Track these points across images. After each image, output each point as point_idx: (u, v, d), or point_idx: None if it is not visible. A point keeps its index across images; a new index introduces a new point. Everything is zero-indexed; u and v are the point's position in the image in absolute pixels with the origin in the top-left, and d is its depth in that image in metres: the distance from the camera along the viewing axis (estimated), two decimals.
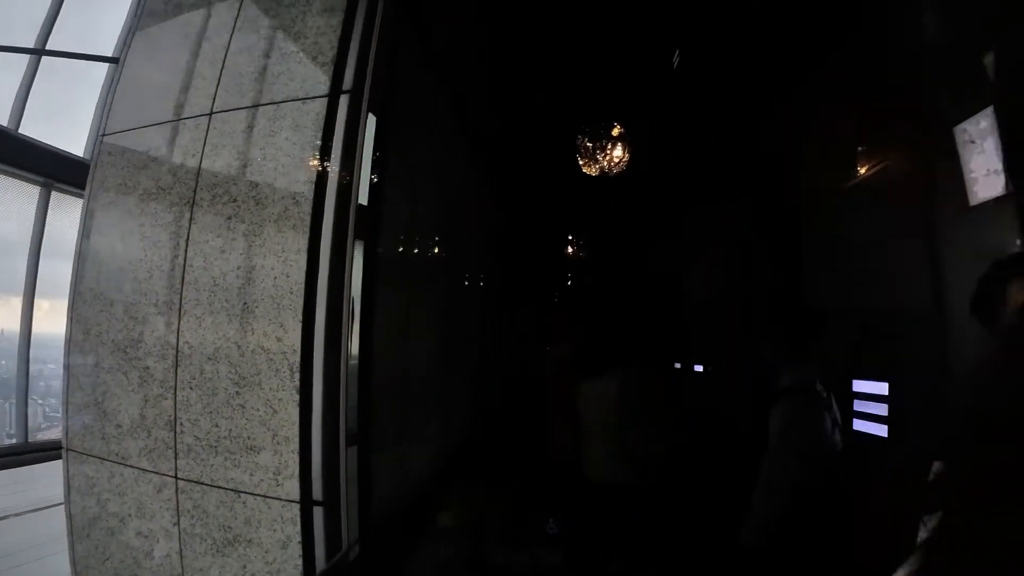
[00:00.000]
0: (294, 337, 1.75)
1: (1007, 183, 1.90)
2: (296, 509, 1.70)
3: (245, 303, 1.81)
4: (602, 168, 3.77)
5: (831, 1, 2.75)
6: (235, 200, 1.88)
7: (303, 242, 1.78)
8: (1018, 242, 1.88)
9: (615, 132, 3.75)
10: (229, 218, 1.87)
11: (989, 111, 1.96)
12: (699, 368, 5.04)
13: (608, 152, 3.74)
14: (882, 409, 2.64)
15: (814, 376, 2.51)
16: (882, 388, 2.64)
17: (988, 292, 1.25)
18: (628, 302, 6.94)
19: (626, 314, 6.09)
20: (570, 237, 6.86)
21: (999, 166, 1.92)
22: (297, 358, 1.74)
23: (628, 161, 3.78)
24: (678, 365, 5.42)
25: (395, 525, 2.23)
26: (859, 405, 2.79)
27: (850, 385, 2.83)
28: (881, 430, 2.64)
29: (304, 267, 1.77)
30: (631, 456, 3.02)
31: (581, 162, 3.82)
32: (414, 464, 2.64)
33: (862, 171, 2.68)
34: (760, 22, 3.08)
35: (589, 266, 7.33)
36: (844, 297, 2.96)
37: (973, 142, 2.04)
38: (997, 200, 1.95)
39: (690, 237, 4.99)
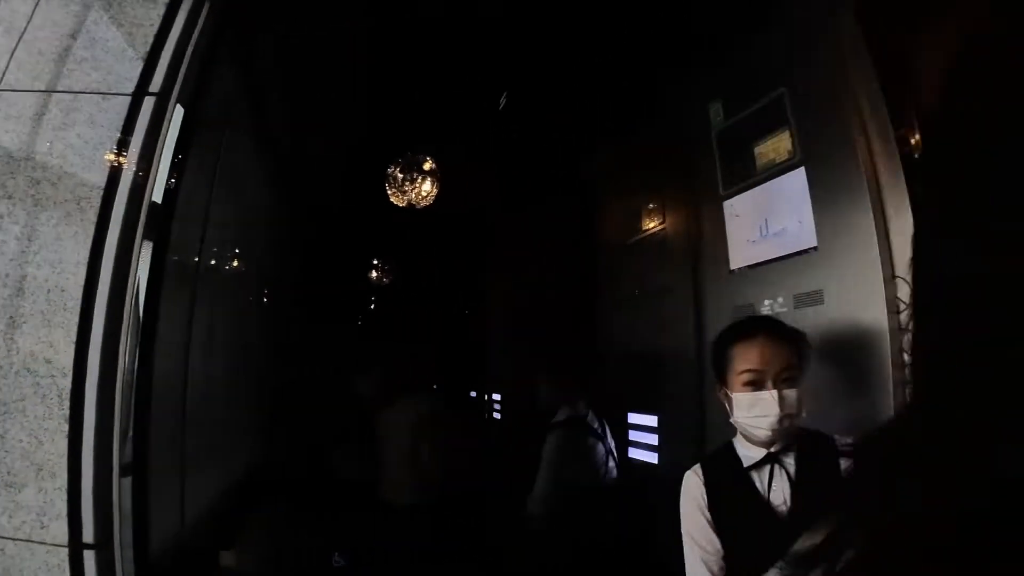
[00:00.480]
0: (66, 359, 1.54)
1: (758, 255, 2.30)
2: (64, 554, 1.48)
3: (11, 317, 1.56)
4: (410, 200, 3.80)
5: (627, 91, 3.12)
6: (10, 197, 1.61)
7: (84, 253, 1.57)
8: (754, 304, 2.28)
9: (427, 166, 3.81)
10: (1, 217, 1.61)
11: (750, 193, 2.35)
12: (497, 397, 5.27)
13: (417, 185, 3.78)
14: (653, 439, 2.98)
15: (585, 411, 2.81)
16: (652, 420, 2.99)
17: (717, 354, 1.56)
18: (430, 332, 7.06)
19: (427, 343, 6.21)
20: (376, 262, 6.82)
21: (755, 238, 2.31)
22: (68, 382, 1.53)
23: (437, 196, 3.83)
24: (473, 394, 5.60)
25: (177, 566, 2.03)
26: (634, 435, 3.13)
27: (626, 417, 3.17)
28: (652, 457, 2.98)
29: (83, 281, 1.56)
30: (429, 480, 3.11)
31: (389, 191, 3.82)
32: (199, 496, 2.42)
33: (649, 227, 3.04)
34: (569, 97, 3.39)
35: (394, 292, 7.33)
36: (628, 337, 3.31)
37: (737, 216, 2.43)
38: (750, 267, 2.35)
39: (493, 274, 5.22)
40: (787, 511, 1.42)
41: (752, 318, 1.58)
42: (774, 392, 1.43)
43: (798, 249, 2.13)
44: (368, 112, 3.76)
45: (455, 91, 3.52)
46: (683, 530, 1.50)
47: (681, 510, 1.53)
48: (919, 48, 1.99)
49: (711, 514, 1.48)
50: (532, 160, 4.22)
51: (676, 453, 2.77)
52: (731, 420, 1.52)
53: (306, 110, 3.65)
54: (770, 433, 1.44)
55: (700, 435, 2.58)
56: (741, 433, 1.53)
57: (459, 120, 3.83)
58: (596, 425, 2.85)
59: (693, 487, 1.52)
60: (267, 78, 3.05)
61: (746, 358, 1.47)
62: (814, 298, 2.06)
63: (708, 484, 1.51)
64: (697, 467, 1.56)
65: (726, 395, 1.52)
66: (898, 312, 1.80)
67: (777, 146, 2.26)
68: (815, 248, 2.07)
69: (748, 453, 1.50)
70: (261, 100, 3.12)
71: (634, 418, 3.14)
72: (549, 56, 3.08)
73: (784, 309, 2.18)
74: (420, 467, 3.15)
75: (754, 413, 1.44)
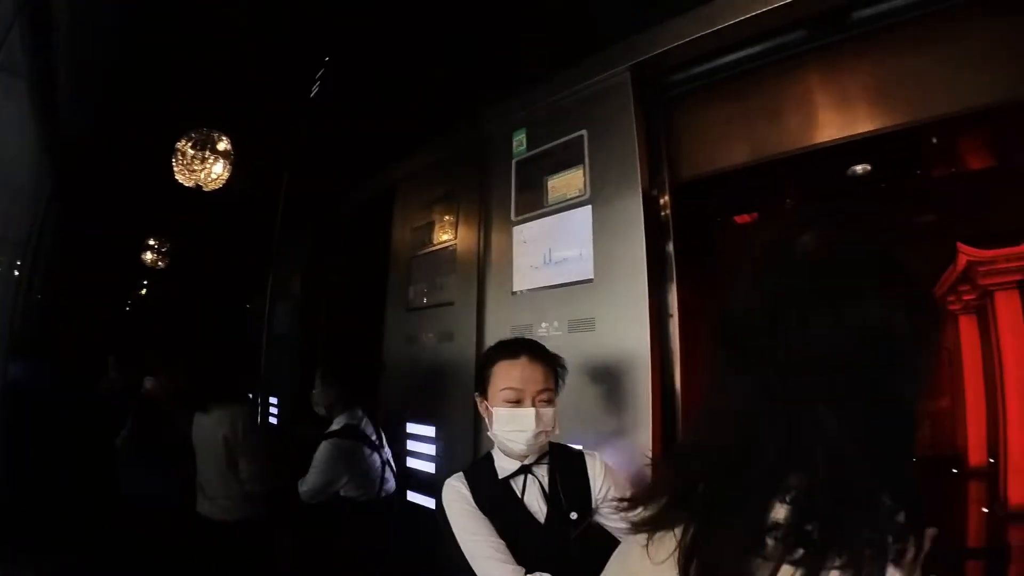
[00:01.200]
0: None
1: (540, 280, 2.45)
2: None
3: None
4: (197, 181, 3.38)
5: (440, 103, 3.18)
6: None
7: None
8: (532, 326, 2.43)
9: (221, 146, 3.43)
10: None
11: (539, 222, 2.51)
12: (274, 400, 4.84)
13: (208, 166, 3.39)
14: (431, 449, 2.97)
15: (362, 419, 2.75)
16: (430, 431, 2.98)
17: (482, 370, 1.67)
18: (206, 324, 6.36)
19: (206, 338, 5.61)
20: (152, 243, 5.98)
21: (538, 264, 2.46)
22: None
23: (228, 180, 3.46)
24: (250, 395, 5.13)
25: None
26: (412, 444, 3.09)
27: (405, 428, 3.13)
28: (430, 466, 2.96)
29: None
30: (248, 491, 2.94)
31: (176, 168, 3.37)
32: None
33: (442, 241, 3.08)
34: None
35: (170, 277, 6.53)
36: (412, 347, 3.29)
37: (524, 242, 2.57)
38: (531, 290, 2.49)
39: (278, 270, 4.86)
40: (541, 518, 1.54)
41: (516, 340, 1.69)
42: (531, 409, 1.55)
43: (576, 279, 2.32)
44: (162, 77, 3.31)
45: (263, 71, 3.27)
46: (457, 529, 1.50)
47: (449, 513, 1.53)
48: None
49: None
50: (336, 157, 4.06)
51: (452, 463, 2.80)
52: (489, 433, 1.62)
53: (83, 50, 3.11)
54: (525, 447, 1.56)
55: (474, 446, 2.63)
56: (498, 446, 1.63)
57: (265, 104, 3.56)
58: (372, 434, 2.79)
59: (456, 491, 1.55)
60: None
61: (508, 376, 1.58)
62: (587, 325, 2.25)
63: (471, 490, 1.55)
64: (459, 475, 1.61)
65: (487, 409, 1.62)
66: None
67: (569, 182, 2.45)
68: (591, 280, 2.27)
69: (504, 465, 1.61)
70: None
71: (413, 428, 3.11)
72: (367, 52, 3.01)
73: (559, 332, 2.34)
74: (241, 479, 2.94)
75: (512, 427, 1.55)
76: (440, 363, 2.92)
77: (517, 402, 1.55)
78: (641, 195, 2.21)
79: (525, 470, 1.59)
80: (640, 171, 2.24)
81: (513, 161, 2.75)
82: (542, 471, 1.60)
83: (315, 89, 3.70)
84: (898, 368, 0.61)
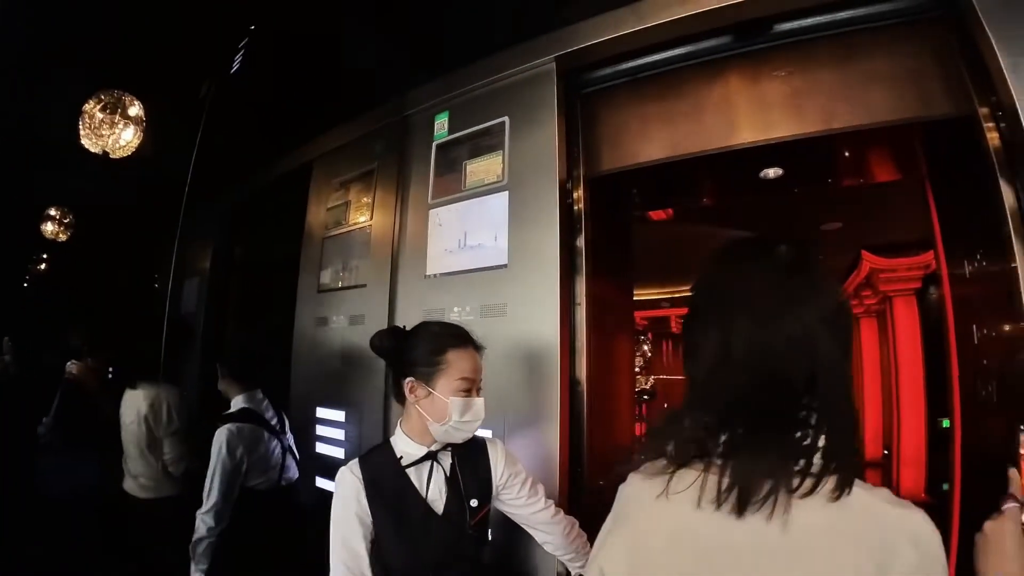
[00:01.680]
0: None
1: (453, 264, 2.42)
2: None
3: None
4: (104, 147, 3.13)
5: (363, 80, 3.10)
6: None
7: None
8: (444, 310, 2.39)
9: (133, 112, 3.19)
10: None
11: (456, 206, 2.47)
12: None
13: (118, 132, 3.14)
14: (340, 434, 2.89)
15: (255, 405, 2.65)
16: (340, 415, 2.90)
17: (430, 354, 1.57)
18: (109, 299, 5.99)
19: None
20: (53, 213, 5.53)
21: (453, 248, 2.43)
22: None
23: (138, 149, 3.22)
24: None
25: None
26: (321, 429, 3.00)
27: (314, 412, 3.03)
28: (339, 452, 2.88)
29: None
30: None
31: (83, 131, 3.11)
32: None
33: (357, 221, 2.99)
34: None
35: (73, 250, 6.08)
36: (322, 329, 3.19)
37: (440, 226, 2.53)
38: (444, 274, 2.46)
39: (185, 246, 4.60)
40: (441, 505, 1.52)
41: (457, 327, 1.64)
42: (481, 399, 1.55)
43: (490, 265, 2.30)
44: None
45: (184, 36, 3.08)
46: (333, 525, 1.46)
47: (334, 505, 1.49)
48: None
49: (369, 506, 1.48)
50: (254, 131, 3.89)
51: (362, 449, 2.73)
52: (434, 422, 1.53)
53: None
54: (470, 435, 1.56)
55: (384, 430, 2.58)
56: (440, 435, 1.55)
57: (183, 70, 3.36)
58: (273, 418, 2.69)
59: (347, 485, 1.50)
60: None
61: (463, 366, 1.54)
62: (499, 310, 2.24)
63: (365, 480, 1.50)
64: (355, 463, 1.55)
65: (430, 396, 1.53)
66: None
67: (488, 167, 2.43)
68: (505, 265, 2.25)
69: (409, 451, 1.57)
70: None
71: (323, 412, 3.02)
72: (292, 25, 2.89)
73: (471, 317, 2.32)
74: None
75: (468, 418, 1.52)
76: (351, 346, 2.85)
77: (468, 392, 1.53)
78: (558, 185, 2.21)
79: (431, 456, 1.56)
80: (558, 161, 2.25)
81: (434, 144, 2.70)
82: (447, 457, 1.59)
83: (237, 59, 3.55)
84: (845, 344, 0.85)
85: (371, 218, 2.91)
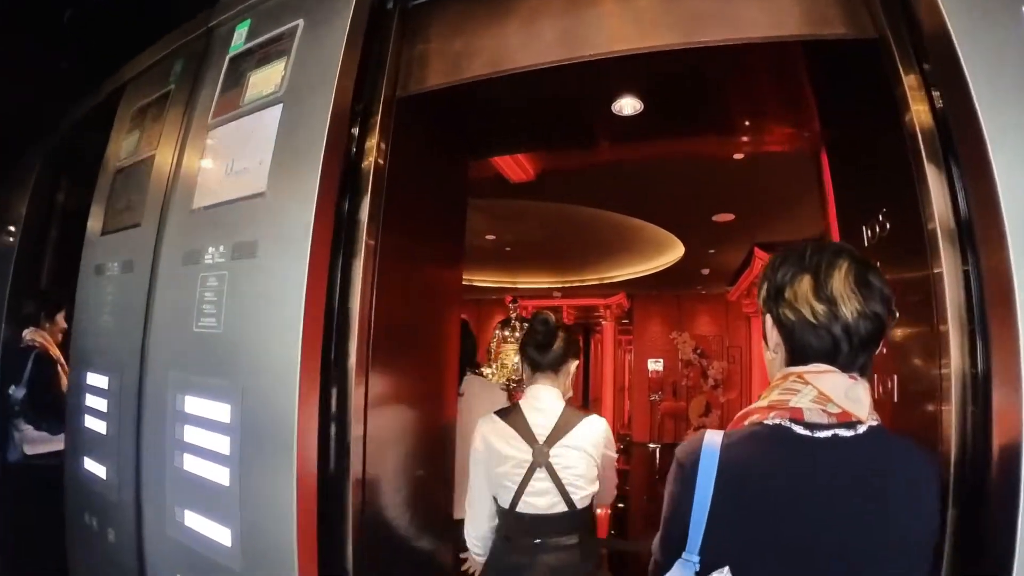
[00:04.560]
0: None
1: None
2: None
3: None
4: None
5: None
6: None
7: None
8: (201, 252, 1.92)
9: None
10: None
11: (233, 125, 2.01)
12: None
13: None
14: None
15: None
16: (103, 382, 2.40)
17: None
18: None
19: None
20: None
21: (222, 176, 1.95)
22: None
23: None
24: None
25: None
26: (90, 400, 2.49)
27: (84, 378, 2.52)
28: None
29: None
30: None
31: None
32: None
33: (142, 153, 2.49)
34: None
35: None
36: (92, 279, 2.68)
37: (215, 150, 2.05)
38: (207, 207, 1.98)
39: None
40: None
41: None
42: None
43: (248, 194, 1.83)
44: None
45: None
46: None
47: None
48: None
49: None
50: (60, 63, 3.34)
51: (122, 425, 2.24)
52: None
53: None
54: None
55: (139, 397, 2.10)
56: None
57: None
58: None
59: None
60: None
61: None
62: (249, 250, 1.77)
63: None
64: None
65: None
66: None
67: (268, 77, 1.96)
68: (263, 194, 1.79)
69: None
70: None
71: (93, 379, 2.50)
72: None
73: (223, 259, 1.85)
74: None
75: None
76: (119, 300, 2.34)
77: None
78: (334, 96, 1.75)
79: None
80: (341, 70, 1.79)
81: (227, 56, 2.22)
82: None
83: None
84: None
85: (156, 147, 2.40)
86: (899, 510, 1.00)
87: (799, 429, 1.04)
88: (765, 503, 1.02)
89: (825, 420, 1.04)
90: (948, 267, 1.27)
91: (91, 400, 2.46)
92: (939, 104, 1.37)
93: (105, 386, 2.35)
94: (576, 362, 2.26)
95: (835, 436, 1.02)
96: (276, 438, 1.60)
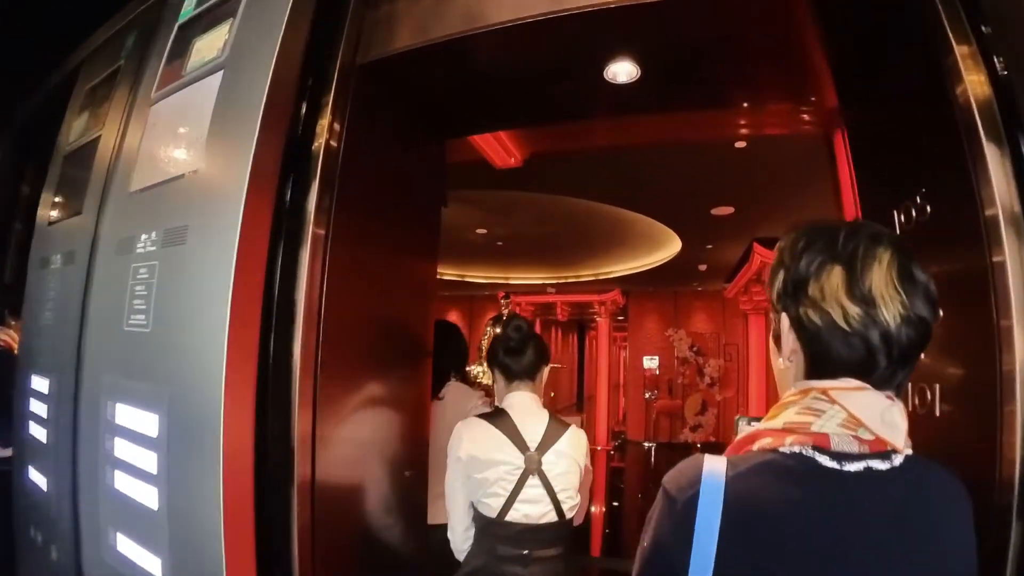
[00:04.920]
0: None
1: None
2: None
3: None
4: None
5: None
6: None
7: None
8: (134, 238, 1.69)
9: None
10: None
11: (176, 97, 1.78)
12: None
13: None
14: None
15: None
16: (44, 385, 2.19)
17: None
18: None
19: None
20: None
21: (159, 153, 1.72)
22: None
23: None
24: None
25: None
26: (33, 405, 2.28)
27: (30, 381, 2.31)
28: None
29: None
30: None
31: None
32: None
33: (90, 134, 2.26)
34: None
35: None
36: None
37: (155, 126, 1.83)
38: (143, 189, 1.75)
39: None
40: None
41: None
42: None
43: (181, 172, 1.60)
44: None
45: None
46: None
47: None
48: None
49: None
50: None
51: (60, 429, 2.02)
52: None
53: None
54: None
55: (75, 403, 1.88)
56: None
57: None
58: None
59: None
60: None
61: None
62: (179, 236, 1.54)
63: None
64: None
65: None
66: None
67: (212, 43, 1.73)
68: (196, 172, 1.55)
69: None
70: None
71: (34, 382, 2.29)
72: None
73: (154, 248, 1.61)
74: None
75: None
76: (60, 295, 2.12)
77: None
78: (275, 61, 1.51)
79: None
80: (286, 31, 1.55)
81: (176, 24, 1.98)
82: None
83: None
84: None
85: (102, 126, 2.18)
86: (943, 556, 0.80)
87: (825, 460, 0.79)
88: (787, 552, 0.77)
89: (856, 449, 0.80)
90: (1012, 256, 1.03)
91: (34, 405, 2.25)
92: (1002, 72, 1.12)
93: (46, 390, 2.14)
94: (547, 368, 2.14)
95: (868, 469, 0.79)
96: (204, 455, 1.37)
